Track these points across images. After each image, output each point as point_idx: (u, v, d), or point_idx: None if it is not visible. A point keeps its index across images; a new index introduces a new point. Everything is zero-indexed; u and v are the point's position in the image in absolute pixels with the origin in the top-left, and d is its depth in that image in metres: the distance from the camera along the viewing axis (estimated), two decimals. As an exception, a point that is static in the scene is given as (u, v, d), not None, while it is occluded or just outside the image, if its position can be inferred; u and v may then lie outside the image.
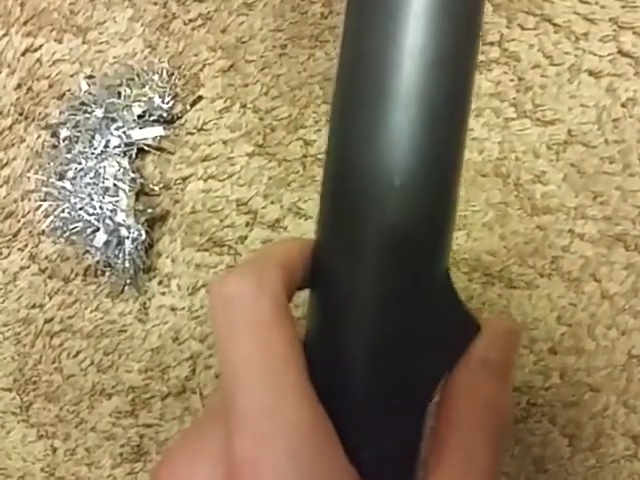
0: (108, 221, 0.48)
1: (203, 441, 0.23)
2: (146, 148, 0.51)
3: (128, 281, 0.51)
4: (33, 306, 0.54)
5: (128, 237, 0.48)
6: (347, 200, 0.23)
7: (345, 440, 0.22)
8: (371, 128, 0.22)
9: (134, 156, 0.51)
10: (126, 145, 0.50)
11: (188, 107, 0.53)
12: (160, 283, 0.53)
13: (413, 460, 0.24)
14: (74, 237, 0.50)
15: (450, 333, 0.24)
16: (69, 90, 0.54)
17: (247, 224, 0.52)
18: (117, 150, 0.49)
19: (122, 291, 0.52)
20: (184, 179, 0.53)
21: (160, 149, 0.52)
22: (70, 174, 0.49)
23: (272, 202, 0.52)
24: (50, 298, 0.54)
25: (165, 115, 0.52)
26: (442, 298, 0.24)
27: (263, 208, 0.52)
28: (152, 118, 0.51)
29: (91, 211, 0.48)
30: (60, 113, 0.53)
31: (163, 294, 0.53)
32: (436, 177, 0.22)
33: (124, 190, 0.48)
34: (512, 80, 0.50)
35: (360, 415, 0.23)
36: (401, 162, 0.22)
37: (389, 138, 0.21)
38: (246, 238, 0.52)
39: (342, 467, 0.22)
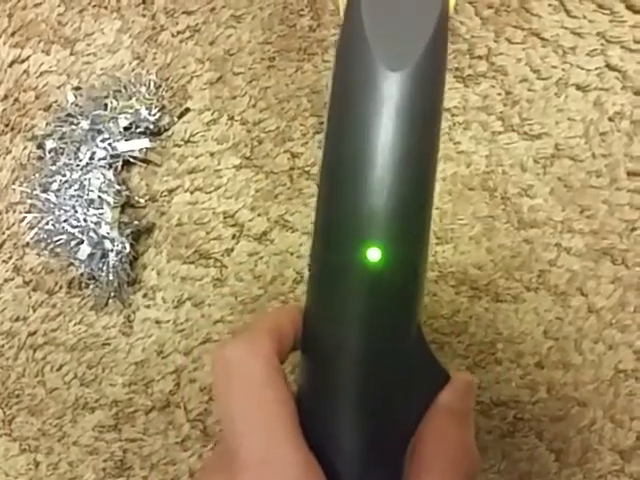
0: (92, 234, 0.46)
1: None
2: (132, 160, 0.49)
3: (112, 294, 0.49)
4: (17, 319, 0.52)
5: (112, 250, 0.46)
6: (330, 274, 0.26)
7: (333, 478, 0.25)
8: (350, 208, 0.25)
9: (120, 168, 0.49)
10: (112, 157, 0.48)
11: (175, 119, 0.51)
12: (145, 296, 0.51)
13: None
14: (58, 249, 0.48)
15: (424, 383, 0.27)
16: (56, 101, 0.52)
17: (234, 236, 0.50)
18: (102, 162, 0.47)
19: (106, 304, 0.50)
20: (170, 191, 0.51)
21: (146, 161, 0.50)
22: (55, 186, 0.47)
23: (259, 214, 0.50)
24: (34, 311, 0.52)
25: (152, 127, 0.49)
26: (416, 352, 0.27)
27: (250, 221, 0.50)
28: (139, 130, 0.49)
29: (75, 223, 0.46)
30: (46, 125, 0.51)
31: (148, 307, 0.51)
32: (408, 252, 0.25)
33: (108, 202, 0.46)
34: (499, 94, 0.49)
35: (347, 457, 0.26)
36: (377, 238, 0.25)
37: (366, 218, 0.25)
38: (232, 250, 0.50)
39: None
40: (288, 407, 0.24)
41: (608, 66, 0.48)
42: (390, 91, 0.24)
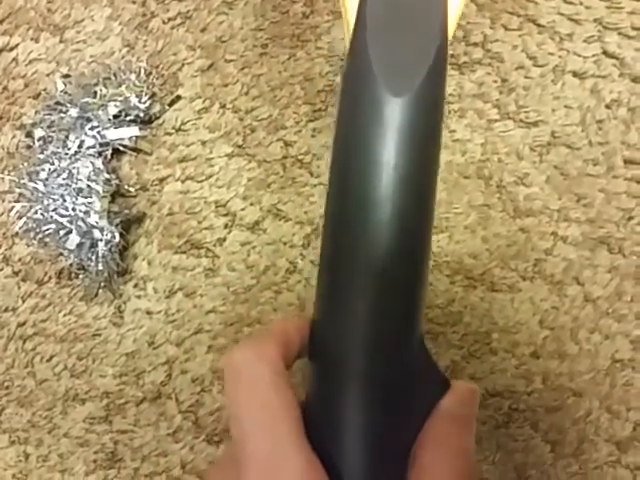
0: (81, 223, 0.44)
1: None
2: (122, 149, 0.48)
3: (102, 284, 0.48)
4: (6, 309, 0.51)
5: (101, 239, 0.45)
6: (338, 283, 0.27)
7: None
8: (356, 222, 0.27)
9: (110, 157, 0.48)
10: (101, 145, 0.46)
11: (166, 107, 0.49)
12: (136, 286, 0.49)
13: None
14: (47, 239, 0.46)
15: (426, 391, 0.28)
16: (45, 90, 0.50)
17: (226, 226, 0.49)
18: (91, 150, 0.46)
19: (96, 294, 0.49)
20: (161, 180, 0.49)
21: (137, 150, 0.49)
22: (43, 175, 0.46)
23: (251, 204, 0.49)
24: (23, 301, 0.50)
25: (142, 115, 0.48)
26: (419, 361, 0.28)
27: (242, 210, 0.49)
28: (128, 118, 0.48)
29: (64, 212, 0.44)
30: (35, 113, 0.49)
31: (139, 297, 0.49)
32: (411, 262, 0.27)
33: (97, 191, 0.44)
34: (495, 81, 0.48)
35: (352, 461, 0.27)
36: (383, 250, 0.26)
37: (370, 231, 0.26)
38: (225, 240, 0.49)
39: None
40: (291, 409, 0.26)
41: (605, 53, 0.47)
42: (393, 114, 0.26)
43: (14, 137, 0.50)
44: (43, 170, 0.46)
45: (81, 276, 0.48)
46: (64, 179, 0.45)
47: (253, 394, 0.26)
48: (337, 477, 0.26)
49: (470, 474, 0.27)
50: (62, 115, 0.47)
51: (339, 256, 0.27)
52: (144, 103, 0.48)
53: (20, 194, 0.48)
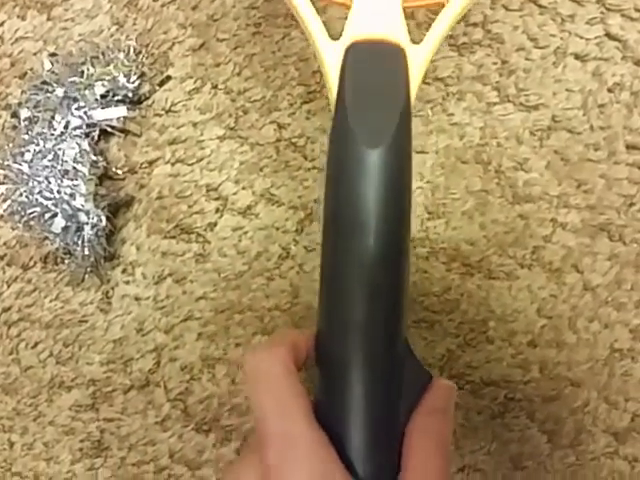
0: (66, 206, 0.43)
1: (246, 468, 0.33)
2: (110, 130, 0.47)
3: (89, 269, 0.46)
4: (-10, 294, 0.50)
5: (87, 223, 0.43)
6: (337, 298, 0.33)
7: (344, 462, 0.31)
8: (347, 252, 0.32)
9: (97, 138, 0.46)
10: (88, 126, 0.45)
11: (156, 87, 0.48)
12: (124, 271, 0.48)
13: (395, 472, 0.33)
14: (32, 222, 0.45)
15: (412, 383, 0.34)
16: (31, 69, 0.49)
17: (217, 210, 0.48)
18: (78, 131, 0.44)
19: (83, 279, 0.47)
20: (151, 163, 0.48)
21: (125, 131, 0.48)
22: (28, 156, 0.44)
23: (243, 188, 0.48)
24: (8, 286, 0.49)
25: (131, 95, 0.47)
26: (405, 359, 0.34)
27: (234, 194, 0.48)
28: (116, 98, 0.46)
29: (49, 195, 0.43)
30: (21, 92, 0.48)
31: (127, 283, 0.48)
32: (394, 274, 0.33)
33: (83, 173, 0.43)
34: (495, 63, 0.47)
35: (355, 445, 0.32)
36: (371, 274, 0.32)
37: (359, 257, 0.32)
38: (216, 225, 0.48)
39: (341, 471, 0.31)
40: (302, 397, 0.31)
41: (608, 35, 0.46)
42: (370, 162, 0.32)
43: (-1, 117, 0.49)
44: (28, 151, 0.44)
45: (67, 261, 0.47)
46: (49, 161, 0.43)
47: (270, 386, 0.31)
48: (343, 453, 0.31)
49: (447, 456, 0.33)
50: (48, 95, 0.45)
51: (335, 278, 0.33)
52: (133, 83, 0.47)
53: (5, 176, 0.46)
